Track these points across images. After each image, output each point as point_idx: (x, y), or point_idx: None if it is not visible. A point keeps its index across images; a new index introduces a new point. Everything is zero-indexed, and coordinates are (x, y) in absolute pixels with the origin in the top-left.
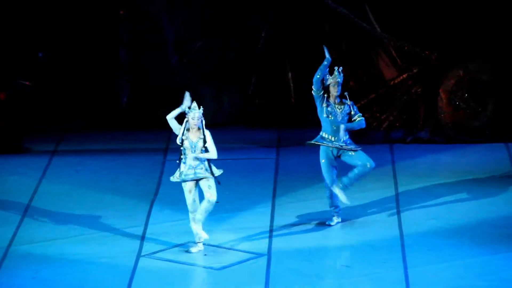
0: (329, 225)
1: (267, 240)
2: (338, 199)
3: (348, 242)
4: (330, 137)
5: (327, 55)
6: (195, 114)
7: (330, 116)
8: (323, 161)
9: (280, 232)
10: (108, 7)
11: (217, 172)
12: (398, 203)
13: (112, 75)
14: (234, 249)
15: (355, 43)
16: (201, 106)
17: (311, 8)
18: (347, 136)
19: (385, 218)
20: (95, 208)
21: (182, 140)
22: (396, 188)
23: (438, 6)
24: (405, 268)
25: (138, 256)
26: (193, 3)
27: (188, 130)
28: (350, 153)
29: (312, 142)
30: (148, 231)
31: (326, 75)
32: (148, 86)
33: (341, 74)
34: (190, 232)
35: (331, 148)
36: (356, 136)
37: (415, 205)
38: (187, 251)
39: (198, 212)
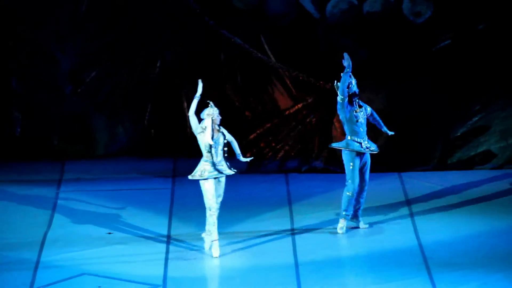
0: (338, 232)
1: (162, 269)
2: (352, 205)
3: (240, 272)
4: (360, 140)
5: (347, 62)
6: (216, 111)
7: (357, 119)
8: (351, 166)
9: (176, 261)
10: None
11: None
12: (293, 232)
13: (4, 105)
14: (129, 281)
15: (250, 73)
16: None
17: (206, 38)
18: (366, 137)
19: (280, 247)
20: None
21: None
22: (292, 217)
23: (331, 35)
24: None
25: None
26: (87, 32)
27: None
28: (364, 168)
29: (348, 148)
30: (41, 264)
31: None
32: (42, 116)
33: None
34: (84, 264)
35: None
36: (251, 166)
37: (310, 234)
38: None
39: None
